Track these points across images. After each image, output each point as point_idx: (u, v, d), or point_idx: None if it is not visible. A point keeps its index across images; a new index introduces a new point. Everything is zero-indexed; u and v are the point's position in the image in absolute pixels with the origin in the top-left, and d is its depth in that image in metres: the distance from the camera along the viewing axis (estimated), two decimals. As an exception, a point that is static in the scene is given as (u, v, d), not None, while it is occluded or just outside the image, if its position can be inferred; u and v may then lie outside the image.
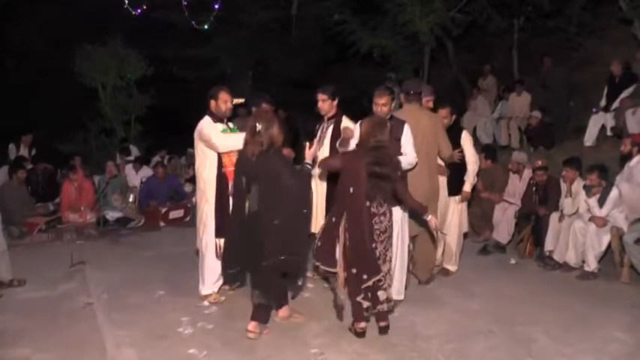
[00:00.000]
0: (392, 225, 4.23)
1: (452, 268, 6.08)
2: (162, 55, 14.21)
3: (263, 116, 4.34)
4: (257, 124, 4.16)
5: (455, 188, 5.89)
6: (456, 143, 5.76)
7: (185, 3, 10.87)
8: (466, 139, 5.95)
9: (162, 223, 8.89)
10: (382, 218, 4.13)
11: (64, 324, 4.66)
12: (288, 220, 4.11)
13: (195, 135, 5.06)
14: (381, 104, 5.03)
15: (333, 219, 4.29)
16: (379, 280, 4.14)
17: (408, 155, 4.78)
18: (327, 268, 4.29)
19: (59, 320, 4.75)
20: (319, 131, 5.58)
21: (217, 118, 5.07)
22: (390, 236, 4.22)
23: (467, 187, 5.94)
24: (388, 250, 4.20)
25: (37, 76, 14.90)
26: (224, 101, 5.08)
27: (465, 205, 6.12)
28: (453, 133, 5.86)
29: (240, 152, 4.37)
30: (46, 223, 8.31)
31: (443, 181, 5.72)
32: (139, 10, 10.93)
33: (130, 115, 14.01)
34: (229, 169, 4.88)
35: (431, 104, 5.89)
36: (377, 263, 4.12)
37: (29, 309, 5.06)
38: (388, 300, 4.23)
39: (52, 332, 4.49)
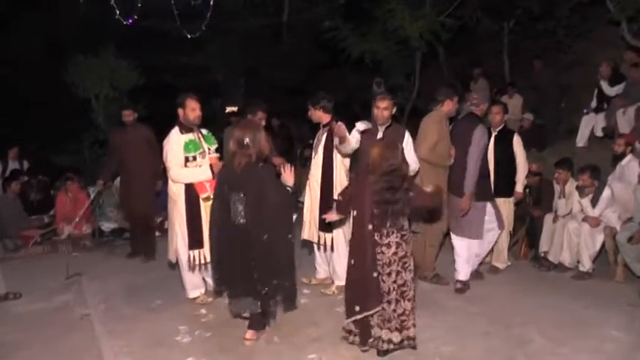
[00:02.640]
0: (400, 259, 3.92)
1: (501, 265, 6.22)
2: (155, 65, 14.21)
3: (250, 127, 4.26)
4: (245, 137, 4.11)
5: (502, 190, 5.97)
6: (508, 145, 6.03)
7: (177, 12, 10.87)
8: (518, 142, 6.11)
9: (157, 233, 8.86)
10: (385, 249, 3.90)
11: (62, 335, 4.65)
12: (276, 237, 4.11)
13: (163, 148, 5.08)
14: (382, 108, 5.07)
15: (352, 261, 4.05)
16: (373, 315, 3.95)
17: (409, 162, 4.81)
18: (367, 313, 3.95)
19: (56, 332, 4.74)
20: (315, 139, 5.59)
21: (186, 128, 5.03)
22: (401, 272, 3.92)
23: (518, 188, 6.18)
24: (406, 286, 3.92)
25: (28, 86, 14.87)
26: (192, 109, 5.01)
27: (512, 205, 6.23)
28: (504, 135, 6.10)
29: (226, 163, 4.37)
30: (41, 235, 8.27)
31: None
32: (130, 20, 10.93)
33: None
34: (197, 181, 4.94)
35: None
36: (378, 296, 3.88)
37: (26, 321, 5.05)
38: (394, 341, 3.94)
39: (50, 344, 4.48)
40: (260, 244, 4.08)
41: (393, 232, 3.93)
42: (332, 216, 4.38)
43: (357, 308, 3.93)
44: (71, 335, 4.66)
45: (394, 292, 3.92)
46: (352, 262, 4.00)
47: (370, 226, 3.89)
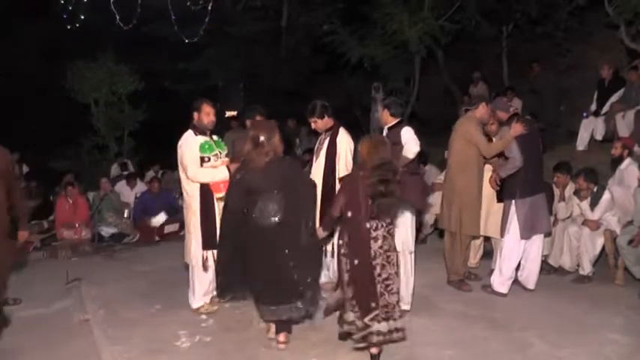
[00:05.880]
0: (384, 252, 3.92)
1: None
2: (154, 70, 14.25)
3: (264, 126, 4.27)
4: (259, 135, 4.09)
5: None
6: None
7: (175, 17, 10.90)
8: None
9: (157, 238, 8.89)
10: (373, 243, 3.90)
11: (61, 341, 4.64)
12: (311, 230, 4.08)
13: (178, 149, 5.07)
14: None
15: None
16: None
17: (407, 145, 5.00)
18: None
19: (56, 337, 4.73)
20: (317, 143, 5.59)
21: (200, 131, 5.06)
22: (385, 265, 3.91)
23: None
24: (390, 280, 3.91)
25: (28, 92, 14.89)
26: (206, 114, 5.06)
27: None
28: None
29: (242, 165, 4.26)
30: (40, 240, 8.28)
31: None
32: (129, 25, 10.95)
33: (123, 131, 14.00)
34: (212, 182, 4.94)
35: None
36: (376, 290, 3.92)
37: (26, 327, 5.04)
38: (382, 332, 3.89)
39: (50, 350, 4.47)
40: (298, 240, 4.01)
41: (382, 225, 3.93)
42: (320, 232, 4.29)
43: (373, 304, 3.89)
44: (71, 341, 4.66)
45: (379, 286, 3.90)
46: (356, 262, 3.95)
47: (367, 225, 3.90)
